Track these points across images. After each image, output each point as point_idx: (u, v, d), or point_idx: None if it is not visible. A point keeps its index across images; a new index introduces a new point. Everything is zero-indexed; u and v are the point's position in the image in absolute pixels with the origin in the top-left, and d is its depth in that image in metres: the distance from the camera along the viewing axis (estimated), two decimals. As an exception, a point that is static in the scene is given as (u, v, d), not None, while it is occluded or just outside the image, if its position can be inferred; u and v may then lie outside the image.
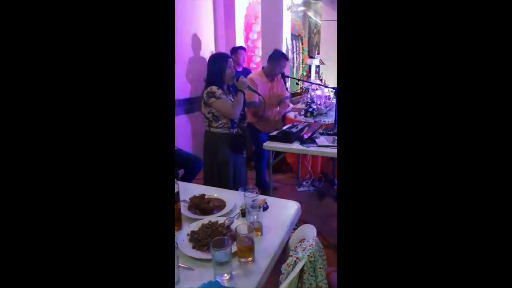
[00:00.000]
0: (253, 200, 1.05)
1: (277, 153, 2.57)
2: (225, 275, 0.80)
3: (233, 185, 1.93)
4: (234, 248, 0.87)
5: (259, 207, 1.04)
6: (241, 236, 0.86)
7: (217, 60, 1.89)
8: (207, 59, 1.98)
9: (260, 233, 1.01)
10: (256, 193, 1.09)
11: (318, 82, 3.85)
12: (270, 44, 3.32)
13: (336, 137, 2.17)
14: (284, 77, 2.58)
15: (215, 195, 1.27)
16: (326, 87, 3.29)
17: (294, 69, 4.57)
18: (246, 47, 3.74)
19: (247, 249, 0.87)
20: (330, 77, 4.87)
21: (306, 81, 3.79)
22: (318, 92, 3.36)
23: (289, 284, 0.75)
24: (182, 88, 3.23)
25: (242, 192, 1.11)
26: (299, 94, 3.93)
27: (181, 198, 1.15)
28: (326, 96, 3.44)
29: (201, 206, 1.16)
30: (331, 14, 5.52)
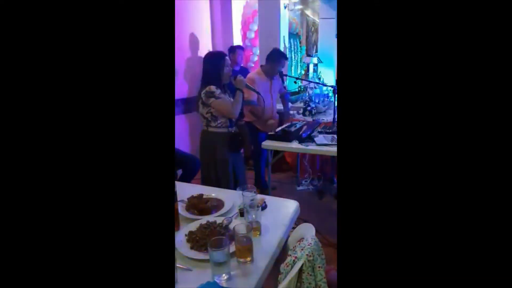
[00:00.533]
0: (252, 200, 1.04)
1: (276, 152, 2.57)
2: (223, 275, 0.80)
3: (233, 185, 1.93)
4: (232, 248, 0.87)
5: (258, 207, 1.03)
6: (239, 236, 0.86)
7: (214, 58, 1.87)
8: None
9: (258, 233, 1.00)
10: (255, 192, 1.08)
11: (317, 80, 3.84)
12: (267, 42, 3.32)
13: (334, 136, 2.17)
14: (282, 75, 2.57)
15: (213, 195, 1.26)
16: (325, 85, 3.28)
17: (292, 67, 4.57)
18: (243, 45, 3.73)
19: (246, 249, 0.86)
20: (328, 76, 4.86)
21: (304, 80, 3.79)
22: (317, 91, 3.35)
23: (288, 284, 0.75)
24: (180, 88, 3.22)
25: (241, 192, 1.11)
26: (298, 92, 3.92)
27: (179, 198, 1.14)
28: (324, 95, 3.44)
29: (199, 206, 1.16)
30: (329, 13, 5.51)
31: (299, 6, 4.90)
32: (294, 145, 2.10)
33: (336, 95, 2.49)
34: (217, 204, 1.19)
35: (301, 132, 2.21)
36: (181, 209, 1.14)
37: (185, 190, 1.25)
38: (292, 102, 3.47)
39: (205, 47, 3.60)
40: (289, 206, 1.20)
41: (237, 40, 3.91)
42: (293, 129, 2.22)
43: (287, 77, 3.15)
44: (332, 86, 2.61)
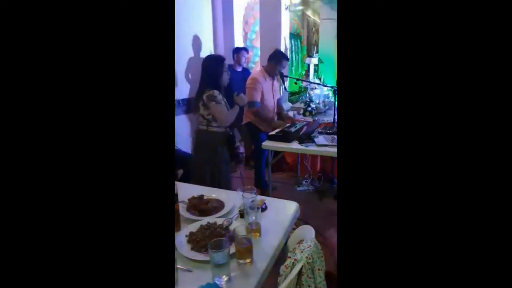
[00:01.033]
0: (252, 201, 1.04)
1: (277, 152, 2.57)
2: (223, 276, 0.80)
3: (230, 184, 1.97)
4: (232, 249, 0.87)
5: (258, 208, 1.04)
6: (239, 237, 0.86)
7: (213, 62, 1.92)
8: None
9: (258, 234, 1.00)
10: (255, 193, 1.09)
11: (317, 81, 3.84)
12: (268, 43, 3.32)
13: (335, 136, 2.17)
14: (282, 76, 2.58)
15: (214, 195, 1.27)
16: (325, 86, 3.28)
17: (293, 68, 4.57)
18: (245, 46, 3.73)
19: (246, 251, 0.86)
20: (329, 76, 4.86)
21: (305, 81, 3.79)
22: (317, 91, 3.36)
23: (288, 286, 0.75)
24: (181, 89, 3.22)
25: (241, 193, 1.11)
26: (298, 93, 3.92)
27: (180, 199, 1.14)
28: (325, 95, 3.44)
29: (200, 207, 1.16)
30: (330, 13, 5.51)
31: (300, 7, 4.90)
32: (294, 146, 2.11)
33: (336, 96, 2.49)
34: (218, 205, 1.20)
35: (301, 133, 2.21)
36: (181, 209, 1.14)
37: (186, 191, 1.26)
38: (293, 103, 3.47)
39: (207, 47, 3.61)
40: (289, 208, 1.20)
41: (239, 41, 3.91)
42: (293, 129, 2.23)
43: (288, 78, 3.15)
44: (332, 87, 2.62)
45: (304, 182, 3.07)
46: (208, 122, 1.92)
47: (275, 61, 2.48)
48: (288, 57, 2.62)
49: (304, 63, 5.11)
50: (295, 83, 3.83)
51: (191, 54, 3.33)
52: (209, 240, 0.89)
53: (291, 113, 3.21)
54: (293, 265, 0.78)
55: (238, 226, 0.90)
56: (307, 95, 3.30)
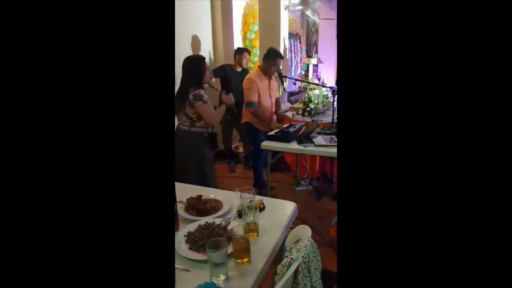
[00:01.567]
0: (250, 201, 1.05)
1: (276, 152, 2.58)
2: (221, 276, 0.81)
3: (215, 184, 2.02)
4: (230, 249, 0.88)
5: (256, 208, 1.05)
6: (237, 237, 0.87)
7: (195, 62, 1.95)
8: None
9: (256, 234, 1.01)
10: (253, 194, 1.10)
11: (316, 81, 3.85)
12: (267, 43, 3.32)
13: (333, 137, 2.18)
14: (281, 77, 2.59)
15: (212, 196, 1.28)
16: (324, 86, 3.29)
17: (292, 68, 4.58)
18: (243, 46, 3.73)
19: (243, 250, 0.87)
20: (328, 76, 4.87)
21: (304, 81, 3.80)
22: (316, 92, 3.36)
23: (284, 285, 0.76)
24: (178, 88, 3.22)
25: (239, 193, 1.12)
26: (297, 93, 3.93)
27: (178, 199, 1.15)
28: (324, 96, 3.45)
29: (198, 207, 1.17)
30: (329, 13, 5.53)
31: (299, 7, 4.90)
32: (293, 146, 2.12)
33: (336, 96, 2.50)
34: (216, 205, 1.21)
35: (300, 133, 2.22)
36: (180, 210, 1.15)
37: (184, 191, 1.27)
38: (292, 103, 3.48)
39: (206, 48, 3.61)
40: (287, 208, 1.21)
41: (238, 41, 3.92)
42: (292, 129, 2.24)
43: (287, 78, 3.16)
44: (331, 87, 2.63)
45: (303, 182, 3.08)
46: (192, 121, 1.93)
47: (269, 60, 2.49)
48: (282, 55, 2.62)
49: (304, 63, 5.12)
50: (294, 83, 3.84)
51: (190, 54, 3.33)
52: (207, 240, 0.90)
53: (290, 113, 3.22)
54: (290, 264, 0.79)
55: (236, 226, 0.91)
56: (306, 95, 3.31)
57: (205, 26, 3.61)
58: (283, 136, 2.16)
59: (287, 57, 4.05)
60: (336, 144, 2.04)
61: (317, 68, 5.37)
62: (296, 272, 0.78)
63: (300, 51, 4.97)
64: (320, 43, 5.87)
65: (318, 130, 2.37)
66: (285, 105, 3.54)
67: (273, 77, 2.61)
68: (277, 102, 2.75)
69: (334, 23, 5.60)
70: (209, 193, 1.31)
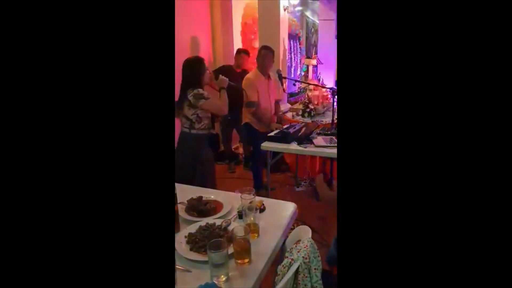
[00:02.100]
0: (250, 202, 1.06)
1: (276, 153, 2.59)
2: (222, 276, 0.82)
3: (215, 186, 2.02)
4: (231, 250, 0.89)
5: (256, 209, 1.05)
6: (238, 237, 0.88)
7: (194, 64, 1.97)
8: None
9: (256, 235, 1.02)
10: (253, 195, 1.10)
11: (316, 82, 3.86)
12: (267, 44, 3.33)
13: (333, 137, 2.19)
14: (281, 78, 2.59)
15: (212, 197, 1.28)
16: (324, 87, 3.30)
17: (292, 69, 4.58)
18: (243, 47, 3.74)
19: (244, 251, 0.88)
20: (328, 77, 4.88)
21: (303, 82, 3.80)
22: (316, 92, 3.37)
23: (284, 285, 0.77)
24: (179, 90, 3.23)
25: (239, 194, 1.13)
26: (297, 94, 3.94)
27: (179, 200, 1.16)
28: (323, 96, 3.46)
29: (199, 208, 1.18)
30: (329, 14, 5.54)
31: (299, 8, 4.91)
32: (293, 147, 2.12)
33: (336, 97, 2.51)
34: (216, 206, 1.21)
35: (300, 134, 2.23)
36: (180, 211, 1.16)
37: (184, 192, 1.27)
38: (292, 104, 3.48)
39: (205, 49, 3.62)
40: (287, 209, 1.22)
41: (237, 42, 3.93)
42: (292, 130, 2.24)
43: (287, 79, 3.17)
44: (331, 88, 2.63)
45: (303, 183, 3.09)
46: (192, 123, 1.94)
47: (262, 56, 2.51)
48: (273, 49, 2.62)
49: (303, 64, 5.13)
50: (294, 84, 3.85)
51: (189, 55, 3.34)
52: (208, 240, 0.90)
53: (289, 114, 3.23)
54: (290, 264, 0.79)
55: (237, 227, 0.91)
56: (306, 96, 3.32)
57: (205, 27, 3.62)
58: (283, 137, 2.16)
59: (287, 58, 4.06)
60: (335, 145, 2.05)
61: (316, 68, 5.38)
62: (296, 272, 0.79)
63: (300, 52, 4.98)
64: (319, 44, 5.88)
65: (318, 131, 2.38)
66: (285, 106, 3.55)
67: (272, 77, 2.62)
68: (277, 103, 2.76)
69: (333, 24, 5.61)
70: (210, 194, 1.32)
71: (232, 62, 3.37)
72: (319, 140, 2.14)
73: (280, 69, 2.86)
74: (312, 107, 3.08)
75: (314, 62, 5.02)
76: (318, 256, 0.85)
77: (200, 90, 1.89)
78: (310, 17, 5.54)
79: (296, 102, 3.72)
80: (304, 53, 5.23)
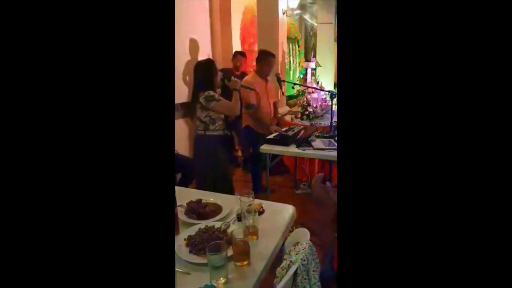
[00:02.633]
0: (249, 205, 1.06)
1: (274, 155, 2.60)
2: (221, 279, 0.82)
3: (233, 187, 2.00)
4: (230, 252, 0.89)
5: (255, 212, 1.06)
6: (237, 240, 0.88)
7: (205, 67, 1.98)
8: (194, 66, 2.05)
9: (256, 237, 1.02)
10: (252, 197, 1.11)
11: (314, 85, 3.88)
12: (266, 47, 3.34)
13: (331, 140, 2.20)
14: (280, 81, 2.61)
15: (212, 199, 1.29)
16: (322, 90, 3.32)
17: (291, 72, 4.60)
18: (242, 50, 3.76)
19: (243, 253, 0.88)
20: (327, 80, 4.90)
21: (302, 85, 3.82)
22: (315, 95, 3.39)
23: (283, 287, 0.77)
24: (179, 92, 3.24)
25: (238, 197, 1.13)
26: (296, 97, 3.95)
27: (178, 203, 1.16)
28: (322, 99, 3.48)
29: (198, 210, 1.18)
30: (327, 17, 5.56)
31: (298, 11, 4.94)
32: (292, 149, 2.13)
33: (333, 100, 2.52)
34: (216, 209, 1.22)
35: (298, 136, 2.24)
36: (180, 213, 1.16)
37: (184, 195, 1.28)
38: (290, 106, 3.50)
39: (205, 51, 3.63)
40: (286, 211, 1.22)
41: (236, 45, 3.94)
42: (290, 133, 2.26)
43: (285, 82, 3.18)
44: (329, 91, 2.65)
45: (302, 185, 3.09)
46: (206, 125, 1.94)
47: (262, 61, 2.52)
48: (274, 54, 2.64)
49: (302, 67, 5.15)
50: (292, 87, 3.86)
51: (188, 57, 3.35)
52: (207, 243, 0.90)
53: (288, 117, 3.24)
54: (289, 266, 0.80)
55: (236, 229, 0.92)
56: (305, 99, 3.33)
57: (204, 29, 3.64)
58: (282, 140, 2.17)
59: (286, 61, 4.08)
60: (334, 147, 2.06)
61: (315, 71, 5.40)
62: (295, 274, 0.79)
63: (299, 55, 5.00)
64: (318, 46, 5.90)
65: (316, 133, 2.39)
66: (283, 109, 3.56)
67: (269, 80, 2.63)
68: (275, 106, 2.77)
69: (332, 27, 5.63)
70: (209, 196, 1.32)
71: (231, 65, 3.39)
72: (317, 142, 2.15)
73: (279, 72, 2.87)
74: (311, 110, 3.09)
75: (312, 65, 5.04)
76: (317, 258, 0.86)
77: (211, 92, 1.90)
78: (309, 20, 5.56)
79: (295, 105, 3.73)
80: (303, 55, 5.25)
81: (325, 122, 2.94)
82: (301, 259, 0.80)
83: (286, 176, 3.37)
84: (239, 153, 3.80)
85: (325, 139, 2.23)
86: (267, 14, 3.54)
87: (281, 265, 0.82)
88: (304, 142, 2.17)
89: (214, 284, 0.80)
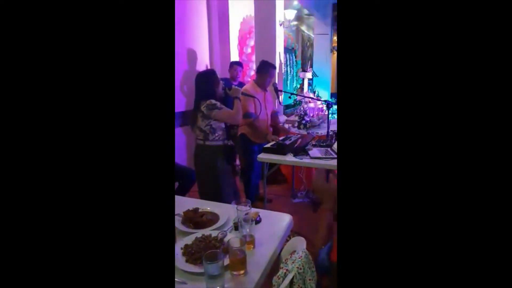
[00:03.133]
0: (246, 214, 1.07)
1: (272, 164, 2.60)
2: (218, 288, 0.82)
3: (233, 196, 2.00)
4: (226, 261, 0.89)
5: (252, 221, 1.06)
6: (233, 249, 0.88)
7: (207, 77, 1.99)
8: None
9: (252, 246, 1.02)
10: (249, 206, 1.11)
11: (311, 95, 3.92)
12: (263, 58, 3.38)
13: (328, 149, 2.21)
14: (277, 91, 2.63)
15: (208, 208, 1.29)
16: (319, 99, 3.35)
17: (288, 82, 4.65)
18: (240, 61, 3.81)
19: (239, 262, 0.88)
20: (323, 89, 4.94)
21: (299, 95, 3.86)
22: (311, 105, 3.42)
23: (280, 296, 0.77)
24: (177, 101, 3.26)
25: (235, 206, 1.14)
26: (293, 106, 3.99)
27: (175, 212, 1.17)
28: (319, 108, 3.51)
29: (195, 219, 1.18)
30: (323, 28, 5.65)
31: (295, 22, 5.02)
32: (289, 158, 2.14)
33: (330, 109, 2.55)
34: (212, 218, 1.22)
35: (295, 145, 2.25)
36: (177, 222, 1.16)
37: (181, 204, 1.28)
38: (288, 116, 3.53)
39: (203, 61, 3.68)
40: (283, 220, 1.23)
41: (234, 55, 3.99)
42: (288, 142, 2.27)
43: (283, 92, 3.21)
44: (326, 101, 2.68)
45: (299, 194, 3.09)
46: (206, 135, 1.94)
47: (263, 71, 2.55)
48: (275, 65, 2.68)
49: (299, 77, 5.21)
50: (289, 97, 3.90)
51: (185, 67, 3.39)
52: (203, 252, 0.91)
53: (285, 126, 3.26)
54: (285, 275, 0.80)
55: (232, 238, 0.92)
56: (301, 108, 3.36)
57: (202, 40, 3.69)
58: (279, 148, 2.18)
59: (283, 71, 4.13)
60: (331, 156, 2.07)
61: (312, 81, 5.46)
62: (291, 283, 0.79)
63: (296, 65, 5.06)
64: (315, 57, 5.98)
65: (313, 142, 2.40)
66: (281, 118, 3.58)
67: (268, 90, 2.66)
68: (273, 115, 2.79)
69: (328, 38, 5.72)
70: (206, 206, 1.32)
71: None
72: (314, 151, 2.17)
73: (276, 82, 2.91)
74: (308, 119, 3.12)
75: (309, 75, 5.10)
76: (313, 267, 0.86)
77: (213, 101, 1.91)
78: (306, 31, 5.65)
79: (292, 114, 3.76)
80: (299, 66, 5.32)
81: (322, 131, 2.96)
82: (297, 267, 0.80)
83: (284, 185, 3.37)
84: (237, 162, 3.80)
85: (322, 148, 2.24)
86: (265, 25, 3.60)
87: (277, 274, 0.82)
88: (301, 151, 2.18)
89: (210, 293, 0.80)
